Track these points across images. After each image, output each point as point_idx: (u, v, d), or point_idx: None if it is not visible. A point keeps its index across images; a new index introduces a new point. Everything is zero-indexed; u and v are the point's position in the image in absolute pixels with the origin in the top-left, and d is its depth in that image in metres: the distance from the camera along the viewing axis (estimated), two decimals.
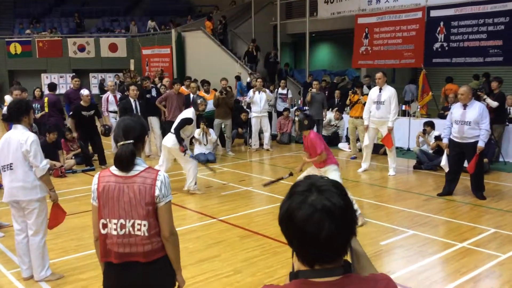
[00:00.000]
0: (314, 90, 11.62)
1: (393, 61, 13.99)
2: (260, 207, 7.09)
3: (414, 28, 13.18)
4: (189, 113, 7.67)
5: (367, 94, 9.66)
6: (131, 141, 2.65)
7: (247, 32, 19.70)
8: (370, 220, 6.22)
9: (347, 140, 11.94)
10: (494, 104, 9.54)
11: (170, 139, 7.57)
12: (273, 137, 13.01)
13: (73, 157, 9.79)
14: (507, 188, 8.17)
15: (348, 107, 11.36)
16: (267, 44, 19.82)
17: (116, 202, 2.61)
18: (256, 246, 5.42)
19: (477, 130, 7.01)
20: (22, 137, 4.24)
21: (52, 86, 11.12)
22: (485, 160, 8.85)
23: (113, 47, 23.29)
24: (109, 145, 11.12)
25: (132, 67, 21.89)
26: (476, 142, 7.00)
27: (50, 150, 9.31)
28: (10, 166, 4.34)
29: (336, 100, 13.64)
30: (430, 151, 9.56)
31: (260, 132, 11.86)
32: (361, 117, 9.67)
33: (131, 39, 23.65)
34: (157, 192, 2.60)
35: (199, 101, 7.76)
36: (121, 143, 2.65)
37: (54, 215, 4.70)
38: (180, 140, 7.42)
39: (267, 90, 11.69)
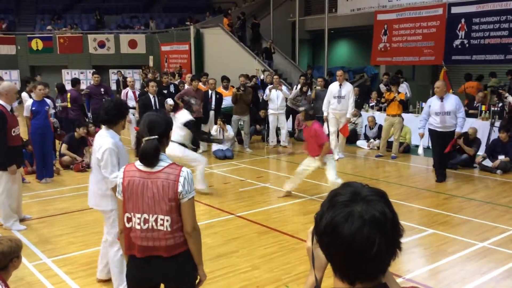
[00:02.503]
0: (318, 87, 11.64)
1: (412, 58, 13.83)
2: (278, 203, 7.09)
3: (435, 25, 13.02)
4: (186, 115, 7.26)
5: (400, 92, 10.40)
6: (156, 136, 2.67)
7: (265, 29, 19.67)
8: None
9: (366, 137, 11.88)
10: None
11: (174, 148, 6.93)
12: (291, 134, 13.00)
13: None
14: None
15: (384, 105, 11.24)
16: (285, 41, 19.79)
17: (140, 197, 2.65)
18: (274, 243, 5.43)
19: (455, 119, 7.94)
20: (100, 142, 3.84)
21: (74, 82, 11.26)
22: (507, 158, 8.74)
23: (132, 44, 23.48)
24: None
25: (151, 64, 22.04)
26: (454, 131, 8.02)
27: (77, 145, 9.47)
28: (93, 168, 4.11)
29: (355, 97, 13.52)
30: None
31: (278, 129, 11.85)
32: (398, 115, 10.13)
33: (150, 35, 23.81)
34: (180, 188, 2.62)
35: (193, 102, 7.53)
36: (146, 138, 2.68)
37: None
38: (198, 142, 7.19)
39: (284, 88, 11.68)
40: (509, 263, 4.78)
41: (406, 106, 11.02)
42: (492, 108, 10.17)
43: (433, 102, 8.08)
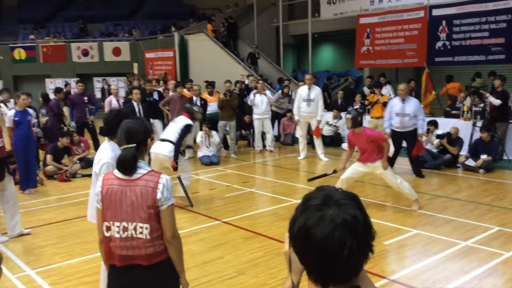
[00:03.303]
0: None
1: (395, 61, 13.97)
2: (263, 208, 7.10)
3: (416, 27, 13.16)
4: (187, 119, 7.05)
5: (383, 95, 10.60)
6: (133, 145, 2.66)
7: (249, 34, 19.74)
8: (373, 219, 6.17)
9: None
10: (497, 102, 9.52)
11: (165, 148, 6.76)
12: (277, 138, 13.04)
13: (77, 161, 9.84)
14: (511, 186, 8.15)
15: (368, 108, 11.33)
16: (269, 46, 19.86)
17: (119, 205, 2.63)
18: (259, 248, 5.44)
19: (414, 120, 8.31)
20: (100, 155, 3.67)
21: (56, 90, 11.19)
22: (489, 158, 8.86)
23: (116, 51, 23.36)
24: None
25: (135, 71, 21.95)
26: (415, 130, 8.35)
27: (60, 155, 9.40)
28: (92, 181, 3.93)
29: (339, 100, 13.64)
30: (434, 150, 9.55)
31: (263, 133, 11.88)
32: (382, 117, 10.02)
33: (134, 43, 23.72)
34: (159, 195, 2.60)
35: (196, 109, 7.30)
36: (123, 147, 2.67)
37: None
38: (177, 153, 6.76)
39: (268, 92, 11.75)
40: (491, 261, 4.84)
41: None
42: (474, 108, 10.30)
43: (395, 103, 8.51)
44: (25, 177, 8.12)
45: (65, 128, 10.36)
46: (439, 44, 12.66)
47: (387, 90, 12.50)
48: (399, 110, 8.40)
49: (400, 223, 6.14)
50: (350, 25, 15.61)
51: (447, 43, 12.51)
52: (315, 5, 16.70)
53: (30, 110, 8.63)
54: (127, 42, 23.86)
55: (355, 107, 12.69)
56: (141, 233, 2.62)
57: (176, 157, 6.71)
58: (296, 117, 10.59)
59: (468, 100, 11.09)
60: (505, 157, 9.70)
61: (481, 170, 8.80)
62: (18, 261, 5.23)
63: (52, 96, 11.78)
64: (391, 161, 8.57)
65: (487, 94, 9.77)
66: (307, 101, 10.23)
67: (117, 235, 2.65)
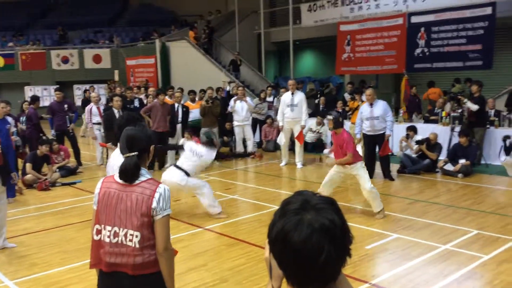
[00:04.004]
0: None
1: (375, 67, 14.15)
2: (246, 215, 7.10)
3: (396, 34, 13.35)
4: (210, 155, 6.97)
5: (364, 101, 10.45)
6: (135, 153, 2.60)
7: (231, 41, 19.80)
8: (355, 224, 6.27)
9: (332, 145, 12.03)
10: (475, 107, 9.70)
11: (177, 176, 6.70)
12: (259, 145, 13.07)
13: (57, 170, 9.73)
14: (488, 190, 8.30)
15: (349, 114, 11.45)
16: (251, 53, 19.93)
17: (113, 209, 2.59)
18: (242, 254, 5.44)
19: (384, 123, 8.66)
20: (113, 161, 3.57)
21: (33, 99, 11.07)
22: (467, 162, 9.01)
23: (97, 58, 23.20)
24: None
25: (116, 78, 21.81)
26: (385, 132, 8.66)
27: (40, 163, 9.28)
28: None
29: (321, 106, 13.73)
30: (414, 155, 9.67)
31: (244, 140, 11.91)
32: None
33: (115, 50, 23.60)
34: (154, 204, 2.54)
35: (213, 138, 7.27)
36: (126, 155, 2.61)
37: None
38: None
39: (248, 99, 11.79)
40: (470, 265, 4.91)
41: None
42: (452, 114, 10.48)
43: (364, 109, 8.83)
44: None
45: (44, 137, 10.22)
46: (418, 50, 12.86)
47: None
48: (368, 115, 8.71)
49: (381, 228, 6.20)
50: (331, 32, 15.77)
51: (426, 49, 12.71)
52: (296, 12, 16.85)
53: (9, 119, 8.53)
54: (107, 49, 23.72)
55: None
56: (130, 240, 2.56)
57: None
58: (280, 123, 10.56)
59: (448, 106, 11.27)
60: (483, 162, 9.87)
61: (460, 175, 8.94)
62: None
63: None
64: (369, 169, 8.61)
65: (465, 100, 9.94)
66: (291, 106, 10.26)
67: (107, 240, 2.60)
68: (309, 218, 1.20)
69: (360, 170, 6.68)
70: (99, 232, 2.63)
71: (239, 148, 11.78)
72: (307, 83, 18.24)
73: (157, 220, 2.56)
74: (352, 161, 6.61)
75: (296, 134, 10.47)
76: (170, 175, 6.72)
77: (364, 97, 11.36)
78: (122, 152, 2.64)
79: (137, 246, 2.55)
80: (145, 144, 2.68)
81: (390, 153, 9.08)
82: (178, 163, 6.93)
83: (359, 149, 9.37)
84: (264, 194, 8.25)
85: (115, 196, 2.60)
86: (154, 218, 2.55)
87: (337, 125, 6.71)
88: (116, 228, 2.58)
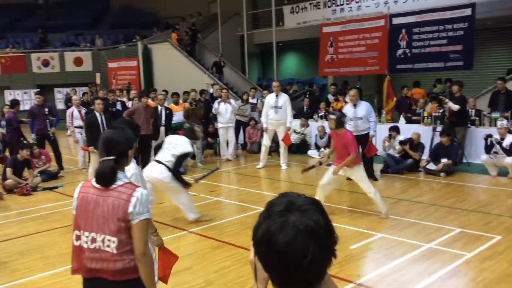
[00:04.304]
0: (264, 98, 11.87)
1: (358, 69, 14.22)
2: (231, 217, 7.08)
3: (377, 36, 13.45)
4: (187, 145, 6.57)
5: (347, 102, 10.54)
6: (112, 157, 2.55)
7: (214, 43, 19.77)
8: (340, 225, 6.28)
9: (316, 146, 12.08)
10: (456, 107, 9.81)
11: (156, 170, 6.38)
12: (243, 146, 13.06)
13: (38, 175, 9.58)
14: (471, 188, 8.40)
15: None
16: (234, 55, 19.92)
17: (91, 214, 2.54)
18: (227, 257, 5.41)
19: (367, 123, 8.73)
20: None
21: (13, 103, 10.90)
22: (449, 161, 9.12)
23: (78, 61, 22.97)
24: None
25: (98, 81, 21.63)
26: (368, 133, 8.73)
27: (20, 168, 9.13)
28: None
29: (305, 108, 13.78)
30: (397, 155, 9.75)
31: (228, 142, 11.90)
32: None
33: (97, 52, 23.39)
34: (130, 209, 2.49)
35: (196, 128, 6.85)
36: (102, 159, 2.56)
37: (164, 260, 3.53)
38: (182, 180, 6.47)
39: (232, 101, 11.77)
40: (454, 263, 4.96)
41: None
42: (434, 114, 10.58)
43: (347, 109, 8.83)
44: None
45: (25, 142, 10.07)
46: (400, 52, 12.97)
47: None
48: (352, 115, 8.71)
49: (365, 227, 6.22)
50: (314, 34, 15.84)
51: (407, 50, 12.83)
52: (278, 14, 16.89)
53: None
54: (89, 52, 23.51)
55: (320, 114, 12.87)
56: (108, 246, 2.52)
57: (184, 182, 6.48)
58: (264, 125, 10.56)
59: (429, 106, 11.39)
60: (464, 161, 9.99)
61: (442, 174, 9.04)
62: None
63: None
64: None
65: (446, 100, 10.06)
66: (275, 108, 10.27)
67: (85, 245, 2.57)
68: (294, 220, 1.19)
69: (360, 172, 6.67)
70: (78, 237, 2.60)
71: (224, 151, 11.74)
72: (291, 84, 18.30)
73: (133, 224, 2.51)
74: (353, 163, 6.59)
75: (280, 136, 10.46)
76: (152, 170, 6.39)
77: (347, 98, 11.44)
78: (100, 156, 2.59)
79: (115, 251, 2.51)
80: (124, 147, 2.63)
81: (375, 153, 9.12)
82: (158, 157, 6.62)
83: None
84: (249, 196, 8.24)
85: (92, 201, 2.55)
86: (131, 223, 2.51)
87: (339, 124, 6.60)
88: (93, 234, 2.54)
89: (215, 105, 11.56)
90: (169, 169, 6.37)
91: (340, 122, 6.59)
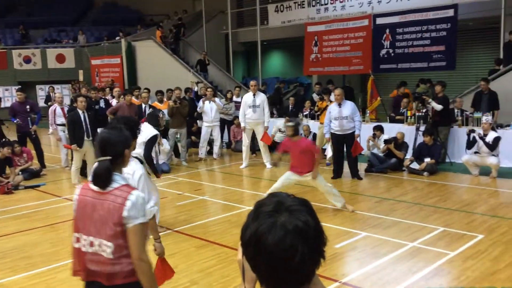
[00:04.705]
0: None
1: (342, 68, 14.31)
2: (216, 216, 7.06)
3: (362, 36, 13.54)
4: (151, 129, 6.20)
5: (332, 101, 10.57)
6: (108, 157, 2.50)
7: (198, 41, 19.68)
8: (324, 224, 6.26)
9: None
10: (439, 107, 9.92)
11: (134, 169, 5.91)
12: (228, 145, 13.03)
13: (20, 173, 9.44)
14: (453, 187, 8.50)
15: (317, 114, 11.51)
16: (219, 53, 19.87)
17: (89, 218, 2.50)
18: (212, 256, 5.39)
19: (352, 123, 8.80)
20: (127, 168, 3.32)
21: None
22: (432, 161, 9.21)
23: (60, 58, 22.66)
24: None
25: (81, 78, 21.37)
26: (353, 132, 8.82)
27: (1, 166, 8.98)
28: None
29: (290, 107, 13.80)
30: (381, 154, 9.83)
31: (212, 141, 11.85)
32: None
33: (80, 49, 23.12)
34: (125, 213, 2.44)
35: (160, 115, 6.60)
36: (98, 159, 2.51)
37: (160, 272, 3.46)
38: (155, 167, 6.11)
39: (217, 99, 11.73)
40: (437, 261, 5.01)
41: None
42: (417, 113, 10.69)
43: (333, 108, 8.94)
44: None
45: (3, 140, 9.88)
46: (383, 51, 13.08)
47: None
48: (336, 114, 8.83)
49: (350, 226, 6.26)
50: (298, 33, 15.88)
51: (391, 50, 12.94)
52: (263, 13, 16.90)
53: None
54: (71, 48, 23.22)
55: (304, 113, 12.90)
56: (104, 251, 2.48)
57: (156, 171, 6.19)
58: (242, 124, 10.59)
59: (412, 105, 11.49)
60: (447, 160, 10.11)
61: (425, 173, 9.13)
62: None
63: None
64: (338, 168, 9.13)
65: (430, 100, 10.16)
66: (253, 108, 10.30)
67: (83, 249, 2.54)
68: (283, 220, 1.19)
69: (318, 178, 6.81)
70: (78, 240, 2.57)
71: (202, 149, 11.67)
72: (276, 83, 18.29)
73: (128, 228, 2.46)
74: (309, 169, 6.72)
75: (259, 136, 10.49)
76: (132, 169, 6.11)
77: (332, 97, 11.48)
78: (96, 156, 2.55)
79: (111, 256, 2.46)
80: (120, 148, 2.56)
81: (360, 153, 9.20)
82: None
83: (328, 148, 9.61)
84: (234, 195, 8.22)
85: (90, 204, 2.51)
86: (126, 227, 2.46)
87: (296, 132, 6.79)
88: (91, 238, 2.51)
89: (200, 103, 11.52)
90: (141, 161, 5.88)
91: (297, 130, 6.80)
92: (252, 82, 10.65)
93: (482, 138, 8.84)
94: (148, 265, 2.54)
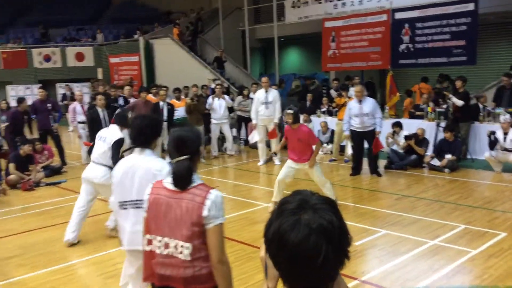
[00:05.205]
0: None
1: (360, 64, 14.16)
2: (234, 212, 7.04)
3: (380, 31, 13.39)
4: (117, 132, 5.66)
5: (350, 97, 10.48)
6: (187, 156, 2.41)
7: (215, 38, 19.70)
8: None
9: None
10: (460, 102, 9.75)
11: (98, 172, 5.70)
12: (245, 142, 13.02)
13: (41, 170, 9.57)
14: (475, 184, 8.36)
15: (335, 110, 11.41)
16: (236, 50, 19.86)
17: (163, 218, 2.40)
18: (230, 253, 5.30)
19: (373, 120, 8.67)
20: (154, 165, 3.13)
21: (19, 100, 10.89)
22: (453, 157, 9.07)
23: (79, 56, 22.91)
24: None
25: (100, 76, 21.57)
26: (374, 129, 8.68)
27: (23, 163, 9.10)
28: (136, 204, 3.21)
29: (307, 103, 13.73)
30: (401, 151, 9.71)
31: (224, 138, 11.85)
32: None
33: (98, 47, 23.33)
34: (205, 213, 2.34)
35: (129, 115, 6.11)
36: (176, 159, 2.42)
37: None
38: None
39: (226, 97, 11.71)
40: (459, 259, 4.93)
41: None
42: (438, 109, 10.53)
43: (353, 105, 8.78)
44: None
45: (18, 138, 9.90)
46: (403, 46, 12.90)
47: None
48: (357, 111, 8.68)
49: (369, 224, 6.20)
50: (315, 29, 15.77)
51: (410, 45, 12.76)
52: (280, 9, 16.81)
53: None
54: (90, 47, 23.44)
55: (322, 110, 12.82)
56: (181, 252, 2.38)
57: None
58: (254, 121, 10.52)
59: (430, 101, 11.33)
60: (468, 156, 9.94)
61: (446, 170, 8.99)
62: None
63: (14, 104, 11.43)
64: (357, 165, 8.98)
65: (450, 95, 10.01)
66: (265, 104, 10.22)
67: (158, 251, 2.43)
68: (307, 218, 1.17)
69: (316, 168, 6.79)
70: (150, 242, 2.46)
71: (214, 147, 11.67)
72: (293, 80, 18.22)
73: (208, 229, 2.36)
74: (308, 158, 6.68)
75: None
76: (92, 173, 5.74)
77: (350, 93, 11.37)
78: (171, 156, 2.44)
79: (188, 258, 2.36)
80: (197, 145, 2.48)
81: (381, 150, 9.09)
82: (93, 157, 5.82)
83: (348, 145, 9.50)
84: (253, 192, 8.22)
85: (164, 203, 2.41)
86: (206, 227, 2.36)
87: (296, 120, 6.69)
88: (166, 239, 2.40)
89: (209, 100, 11.48)
90: (110, 168, 5.54)
91: (297, 117, 6.71)
92: (264, 79, 10.60)
93: (504, 138, 8.67)
94: (229, 268, 2.44)
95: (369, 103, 8.72)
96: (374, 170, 9.04)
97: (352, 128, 8.86)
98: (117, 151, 5.59)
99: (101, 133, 5.85)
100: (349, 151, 10.09)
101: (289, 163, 6.87)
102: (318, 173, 6.81)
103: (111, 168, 5.52)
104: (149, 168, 3.12)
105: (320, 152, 11.56)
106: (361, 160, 9.13)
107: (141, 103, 10.30)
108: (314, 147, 6.81)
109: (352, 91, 12.39)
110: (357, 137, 8.90)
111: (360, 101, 8.71)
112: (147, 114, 3.53)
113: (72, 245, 5.79)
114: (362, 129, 8.76)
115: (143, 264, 2.52)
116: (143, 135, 3.18)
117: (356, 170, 9.12)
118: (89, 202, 5.91)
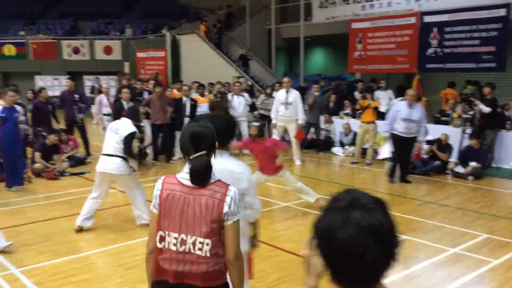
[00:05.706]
0: (316, 93, 11.65)
1: (386, 66, 14.02)
2: None
3: (408, 33, 13.23)
4: (130, 126, 5.91)
5: (377, 99, 10.66)
6: (204, 152, 2.36)
7: (241, 36, 19.74)
8: None
9: (341, 144, 11.96)
10: (487, 109, 9.57)
11: (113, 164, 5.81)
12: None
13: (66, 160, 9.74)
14: (499, 193, 8.21)
15: (359, 112, 11.29)
16: (262, 48, 19.86)
17: (179, 214, 2.36)
18: None
19: (418, 127, 8.34)
20: (236, 168, 2.99)
21: (38, 90, 11.12)
22: (478, 165, 8.91)
23: (108, 50, 23.24)
24: None
25: (126, 70, 21.84)
26: (415, 136, 8.43)
27: (49, 153, 9.28)
28: None
29: (330, 104, 13.64)
30: (424, 156, 9.58)
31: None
32: (373, 122, 10.25)
33: (126, 42, 23.61)
34: (225, 209, 2.32)
35: (140, 109, 6.41)
36: (194, 156, 2.36)
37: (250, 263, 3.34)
38: (140, 162, 5.94)
39: (246, 95, 11.69)
40: (479, 269, 4.85)
41: (381, 113, 10.93)
42: (464, 115, 10.36)
43: (402, 108, 8.39)
44: (11, 174, 8.03)
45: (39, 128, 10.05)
46: (430, 50, 12.73)
47: (388, 94, 12.61)
48: (406, 116, 8.30)
49: None
50: (342, 30, 15.66)
51: (438, 50, 12.58)
52: (307, 8, 16.75)
53: (18, 107, 8.54)
54: (118, 41, 23.75)
55: (345, 112, 12.73)
56: (200, 249, 2.34)
57: (143, 162, 6.01)
58: (273, 121, 10.40)
59: (459, 107, 11.15)
60: (494, 165, 9.76)
61: (470, 177, 8.84)
62: (2, 259, 5.14)
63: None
64: (392, 168, 8.75)
65: (477, 102, 9.83)
66: (285, 105, 10.10)
67: (173, 248, 2.38)
68: (357, 217, 1.18)
69: (285, 173, 6.75)
70: (163, 239, 2.39)
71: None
72: (318, 81, 18.05)
73: (227, 225, 2.35)
74: (275, 170, 6.62)
75: (292, 133, 10.30)
76: (107, 165, 5.84)
77: (376, 96, 11.24)
78: (188, 153, 2.38)
79: (208, 254, 2.34)
80: (213, 141, 2.44)
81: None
82: (104, 150, 5.92)
83: (386, 148, 9.42)
84: (273, 191, 8.21)
85: (181, 199, 2.36)
86: (224, 224, 2.35)
87: (261, 133, 6.57)
88: (183, 235, 2.36)
89: (229, 97, 11.51)
90: (124, 159, 5.87)
91: (261, 131, 6.58)
92: (285, 79, 10.49)
93: None
94: (243, 262, 2.47)
95: (419, 110, 8.38)
96: (404, 176, 8.79)
97: (395, 132, 8.45)
98: (129, 145, 5.80)
99: (113, 125, 6.02)
100: (382, 154, 9.89)
101: (257, 174, 6.69)
102: (288, 180, 6.82)
103: (124, 159, 5.84)
104: (231, 171, 2.90)
105: (341, 154, 11.53)
106: (395, 166, 8.76)
107: (156, 98, 10.34)
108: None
109: (378, 93, 12.31)
110: (400, 142, 8.48)
111: (410, 106, 8.32)
112: (222, 115, 3.35)
113: (80, 230, 5.97)
114: (406, 134, 8.38)
115: (153, 262, 2.45)
116: (221, 138, 2.89)
117: (393, 172, 8.75)
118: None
